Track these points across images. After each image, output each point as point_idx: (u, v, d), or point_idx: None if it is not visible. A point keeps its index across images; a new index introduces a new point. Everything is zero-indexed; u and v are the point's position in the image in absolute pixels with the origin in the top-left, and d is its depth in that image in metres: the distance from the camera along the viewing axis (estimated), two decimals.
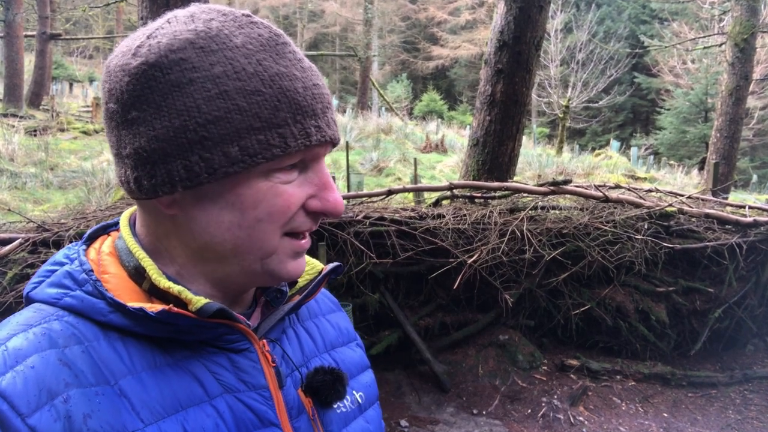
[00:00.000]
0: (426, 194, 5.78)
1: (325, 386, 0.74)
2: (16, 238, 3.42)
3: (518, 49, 5.65)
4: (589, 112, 28.10)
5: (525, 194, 5.03)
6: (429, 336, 4.67)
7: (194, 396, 0.64)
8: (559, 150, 17.81)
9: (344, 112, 22.42)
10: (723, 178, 8.95)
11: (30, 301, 0.67)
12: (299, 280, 0.81)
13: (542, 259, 4.52)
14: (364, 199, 4.85)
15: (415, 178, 8.45)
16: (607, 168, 14.12)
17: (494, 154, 5.84)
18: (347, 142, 10.32)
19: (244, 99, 0.61)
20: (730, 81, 9.99)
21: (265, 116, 0.62)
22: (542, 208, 4.97)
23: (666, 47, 20.49)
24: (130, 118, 0.62)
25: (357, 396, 0.83)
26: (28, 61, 16.96)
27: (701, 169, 15.31)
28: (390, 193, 4.76)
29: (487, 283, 4.53)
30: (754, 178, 19.61)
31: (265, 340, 0.73)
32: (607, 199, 4.99)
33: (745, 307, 5.24)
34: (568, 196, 5.15)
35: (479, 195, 5.16)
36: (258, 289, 0.77)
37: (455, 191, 5.06)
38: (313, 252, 3.90)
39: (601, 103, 24.31)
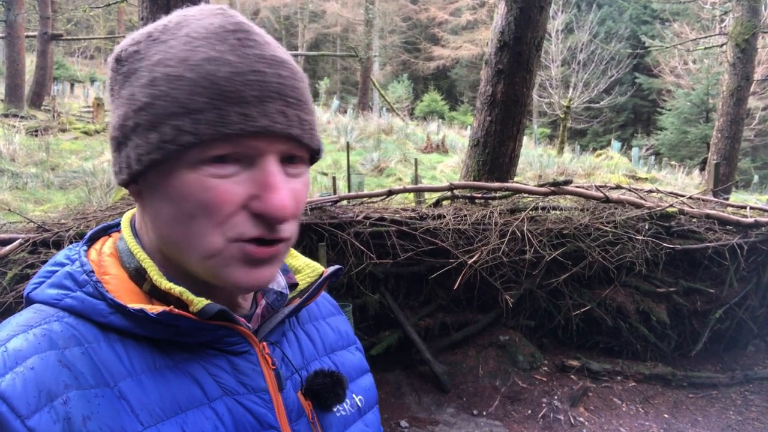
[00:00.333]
0: (426, 195, 5.78)
1: (325, 389, 0.74)
2: (17, 239, 3.42)
3: (519, 50, 5.64)
4: (590, 112, 28.09)
5: (525, 195, 5.03)
6: (429, 336, 4.67)
7: (193, 398, 0.64)
8: (560, 150, 17.80)
9: (345, 112, 22.43)
10: (724, 179, 8.95)
11: (30, 301, 0.67)
12: (300, 282, 0.81)
13: (543, 259, 4.52)
14: (364, 199, 4.85)
15: (416, 179, 8.45)
16: (608, 168, 14.11)
17: (495, 155, 5.83)
18: (348, 143, 10.33)
19: (167, 84, 0.60)
20: (731, 81, 9.98)
21: (183, 102, 0.59)
22: (543, 208, 4.97)
23: (667, 48, 20.48)
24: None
25: (356, 399, 0.83)
26: (30, 62, 16.97)
27: (702, 169, 15.30)
28: (390, 193, 4.76)
29: (487, 284, 4.53)
30: (756, 178, 19.60)
31: (265, 343, 0.73)
32: (607, 200, 4.99)
33: (746, 307, 5.24)
34: (569, 196, 5.15)
35: (480, 195, 5.16)
36: (258, 291, 0.76)
37: (456, 192, 5.06)
38: (313, 252, 3.90)
39: (602, 103, 24.30)
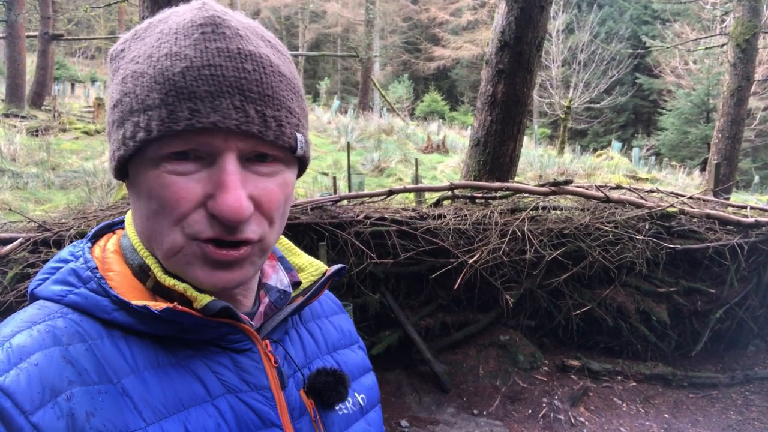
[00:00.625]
0: (427, 194, 5.78)
1: (327, 388, 0.74)
2: (17, 238, 3.43)
3: (519, 50, 5.64)
4: (591, 112, 28.08)
5: (526, 194, 5.03)
6: (429, 336, 4.67)
7: (196, 396, 0.64)
8: (561, 150, 17.79)
9: (346, 112, 22.44)
10: (724, 179, 8.94)
11: (34, 298, 0.67)
12: (303, 281, 0.81)
13: (543, 259, 4.52)
14: (365, 199, 4.85)
15: (416, 179, 8.45)
16: (609, 169, 14.10)
17: (495, 155, 5.83)
18: (348, 143, 10.34)
19: (133, 82, 0.61)
20: (732, 81, 9.98)
21: (142, 98, 0.60)
22: (543, 208, 4.97)
23: (668, 48, 20.48)
24: None
25: (359, 398, 0.83)
26: (30, 62, 16.98)
27: (703, 169, 15.29)
28: (391, 193, 4.76)
29: (487, 284, 4.53)
30: (756, 178, 19.59)
31: (267, 341, 0.73)
32: (608, 200, 4.99)
33: (747, 307, 5.23)
34: (569, 196, 5.15)
35: (480, 195, 5.16)
36: (261, 289, 0.77)
37: (456, 191, 5.06)
38: (313, 252, 3.90)
39: (602, 103, 24.29)
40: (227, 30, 0.61)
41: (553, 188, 4.93)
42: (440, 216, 4.63)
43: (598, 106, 24.53)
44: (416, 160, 9.87)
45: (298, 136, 0.65)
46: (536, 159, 13.51)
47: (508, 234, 4.42)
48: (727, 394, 4.67)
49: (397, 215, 4.46)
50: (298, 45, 34.35)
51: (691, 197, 5.72)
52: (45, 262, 3.20)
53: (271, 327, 0.75)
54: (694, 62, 23.77)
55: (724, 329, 5.22)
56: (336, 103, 24.21)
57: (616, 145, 19.24)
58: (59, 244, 3.43)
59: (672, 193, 5.86)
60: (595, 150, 20.62)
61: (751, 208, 5.51)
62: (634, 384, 4.70)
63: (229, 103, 0.59)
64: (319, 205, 4.34)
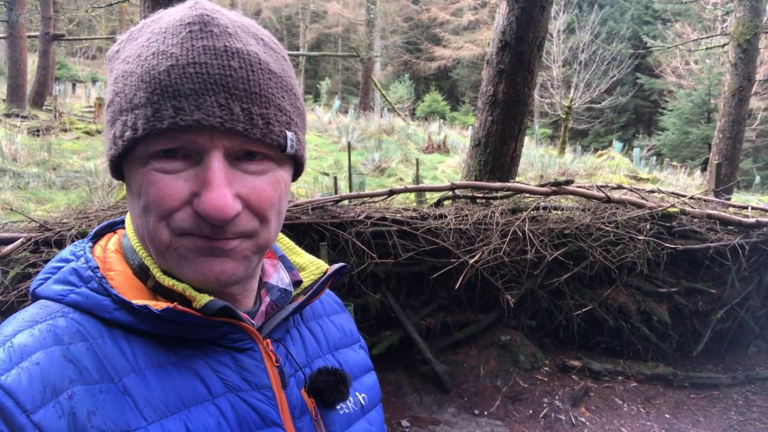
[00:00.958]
0: (428, 194, 5.78)
1: (329, 387, 0.74)
2: (18, 238, 3.43)
3: (520, 50, 5.64)
4: (592, 112, 28.07)
5: (527, 195, 5.02)
6: (430, 336, 4.67)
7: (197, 395, 0.64)
8: (562, 151, 17.78)
9: (346, 112, 22.44)
10: (725, 179, 8.92)
11: (36, 297, 0.67)
12: (304, 280, 0.81)
13: (544, 259, 4.52)
14: (365, 199, 4.85)
15: (417, 179, 8.45)
16: (610, 169, 14.10)
17: (496, 155, 5.83)
18: (349, 143, 10.34)
19: (123, 81, 0.61)
20: (733, 82, 9.97)
21: (130, 97, 0.60)
22: (544, 208, 4.96)
23: (669, 48, 20.47)
24: None
25: (360, 397, 0.83)
26: (31, 62, 16.99)
27: (704, 170, 15.29)
28: (392, 193, 4.75)
29: (488, 284, 4.52)
30: (757, 179, 19.57)
31: (269, 340, 0.73)
32: (609, 200, 4.99)
33: (748, 308, 5.23)
34: (570, 196, 5.14)
35: (481, 195, 5.15)
36: (262, 288, 0.77)
37: (457, 191, 5.05)
38: (314, 252, 3.90)
39: (603, 103, 24.29)
40: (215, 28, 0.61)
41: (554, 188, 4.92)
42: (441, 216, 4.62)
43: (599, 106, 24.52)
44: (417, 160, 9.87)
45: (288, 134, 0.64)
46: (537, 159, 13.51)
47: (509, 234, 4.42)
48: (728, 395, 4.66)
49: (398, 215, 4.46)
50: (299, 45, 34.34)
51: (692, 197, 5.72)
52: (46, 261, 3.20)
53: (273, 326, 0.75)
54: (695, 62, 23.75)
55: (725, 329, 5.22)
56: (337, 103, 24.21)
57: (617, 145, 19.23)
58: (60, 244, 3.43)
59: (673, 193, 5.86)
60: (596, 150, 20.61)
61: (752, 208, 5.50)
62: (635, 384, 4.69)
63: (214, 100, 0.59)
64: (320, 205, 4.33)
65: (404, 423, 3.96)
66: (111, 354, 0.61)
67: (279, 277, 0.78)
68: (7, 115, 13.13)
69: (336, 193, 6.14)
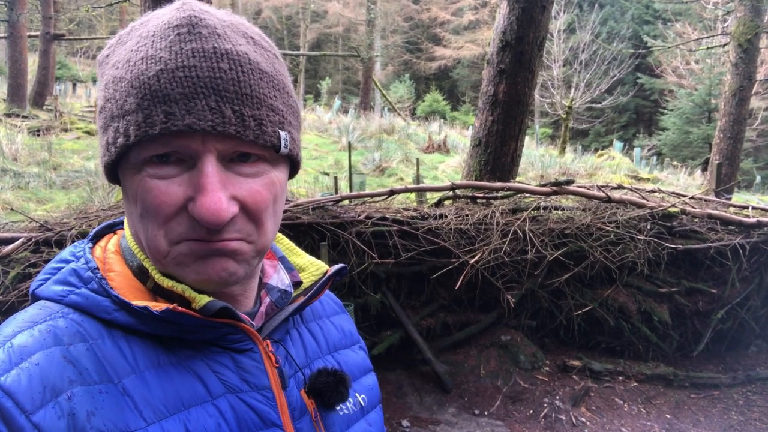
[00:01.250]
0: (428, 194, 5.78)
1: (328, 388, 0.74)
2: (19, 238, 3.43)
3: (521, 50, 5.64)
4: (592, 112, 28.07)
5: (527, 194, 5.02)
6: (431, 336, 4.67)
7: (197, 395, 0.64)
8: (562, 150, 17.78)
9: (347, 112, 22.44)
10: (726, 179, 8.92)
11: (36, 298, 0.67)
12: (304, 281, 0.81)
13: (544, 259, 4.51)
14: (366, 199, 4.85)
15: (418, 179, 8.45)
16: (610, 168, 14.10)
17: (497, 155, 5.83)
18: (349, 143, 10.33)
19: (113, 87, 0.61)
20: (734, 81, 9.96)
21: (121, 103, 0.60)
22: (545, 208, 4.96)
23: (669, 48, 20.46)
24: None
25: (359, 398, 0.83)
26: (32, 62, 17.00)
27: (704, 169, 15.29)
28: (392, 193, 4.75)
29: (489, 284, 4.52)
30: (758, 178, 19.57)
31: (268, 341, 0.73)
32: (609, 200, 4.98)
33: (748, 308, 5.23)
34: (571, 196, 5.14)
35: (481, 195, 5.15)
36: (262, 289, 0.77)
37: (457, 191, 5.05)
38: (314, 252, 3.90)
39: (604, 103, 24.28)
40: (203, 29, 0.61)
41: (554, 188, 4.92)
42: (441, 216, 4.62)
43: (599, 106, 24.52)
44: (417, 160, 9.87)
45: (282, 134, 0.64)
46: (537, 159, 13.51)
47: (509, 234, 4.42)
48: (729, 395, 4.66)
49: (399, 215, 4.45)
50: (299, 45, 34.34)
51: (692, 197, 5.71)
52: (47, 261, 3.20)
53: (272, 327, 0.75)
54: (696, 62, 23.74)
55: (726, 329, 5.22)
56: (337, 102, 24.21)
57: (618, 145, 19.23)
58: (61, 244, 3.43)
59: (674, 193, 5.85)
60: (596, 150, 20.60)
61: (753, 208, 5.50)
62: (635, 384, 4.69)
63: (204, 104, 0.58)
64: (321, 205, 4.33)
65: (405, 423, 3.96)
66: (111, 355, 0.61)
67: (279, 278, 0.78)
68: (8, 115, 13.14)
69: (336, 192, 6.14)
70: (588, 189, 5.19)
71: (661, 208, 5.00)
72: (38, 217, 4.15)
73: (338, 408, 0.78)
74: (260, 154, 0.63)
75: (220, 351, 0.68)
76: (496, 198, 5.08)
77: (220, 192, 0.59)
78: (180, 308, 0.62)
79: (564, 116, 19.80)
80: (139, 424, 0.59)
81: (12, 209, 5.86)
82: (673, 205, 5.21)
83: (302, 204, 4.25)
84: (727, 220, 5.15)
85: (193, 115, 0.58)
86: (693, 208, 5.31)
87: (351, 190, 7.33)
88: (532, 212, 4.81)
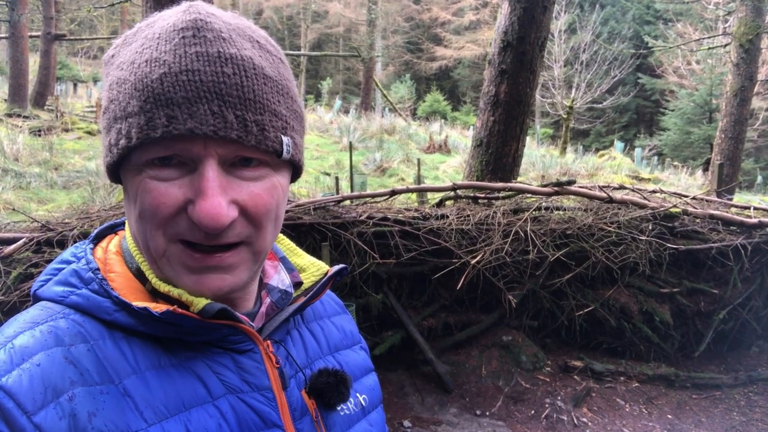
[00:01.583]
0: (429, 195, 5.78)
1: (329, 388, 0.74)
2: (20, 238, 3.43)
3: (522, 50, 5.64)
4: (593, 112, 28.06)
5: (529, 195, 5.02)
6: (432, 336, 4.67)
7: (197, 396, 0.64)
8: (563, 151, 17.77)
9: (347, 112, 22.45)
10: (727, 179, 8.91)
11: (37, 299, 0.67)
12: (305, 281, 0.81)
13: (546, 259, 4.51)
14: (367, 199, 4.85)
15: (419, 179, 8.45)
16: (611, 169, 14.10)
17: (498, 155, 5.82)
18: (350, 143, 10.33)
19: (117, 88, 0.61)
20: (735, 82, 9.95)
21: (124, 105, 0.60)
22: (546, 208, 4.96)
23: (670, 48, 20.45)
24: None
25: (360, 399, 0.83)
26: (33, 62, 17.02)
27: (705, 170, 15.27)
28: (393, 193, 4.75)
29: (490, 284, 4.52)
30: (759, 179, 19.56)
31: (269, 341, 0.73)
32: (611, 200, 4.98)
33: (750, 308, 5.22)
34: (572, 196, 5.14)
35: (483, 195, 5.15)
36: (262, 289, 0.76)
37: (459, 192, 5.05)
38: (316, 252, 3.90)
39: (604, 103, 24.27)
40: (209, 33, 0.61)
41: (556, 188, 4.92)
42: (443, 216, 4.62)
43: (600, 106, 24.51)
44: (418, 160, 9.87)
45: (284, 139, 0.63)
46: (538, 159, 13.51)
47: (510, 234, 4.42)
48: (731, 395, 4.65)
49: (400, 215, 4.45)
50: (300, 45, 34.35)
51: (694, 198, 5.70)
52: (48, 262, 3.20)
53: (273, 327, 0.74)
54: (697, 62, 23.72)
55: (728, 330, 5.21)
56: (338, 103, 24.23)
57: (619, 145, 19.23)
58: (62, 244, 3.44)
59: (675, 193, 5.85)
60: (597, 150, 20.60)
61: (755, 208, 5.49)
62: (637, 385, 4.69)
63: (207, 108, 0.58)
64: (322, 205, 4.33)
65: (406, 423, 3.95)
66: (112, 355, 0.61)
67: (279, 279, 0.78)
68: (9, 115, 13.15)
69: (338, 193, 6.14)
70: (589, 189, 5.19)
71: (662, 209, 4.99)
72: (40, 217, 4.15)
73: (339, 408, 0.78)
74: (262, 158, 0.63)
75: (221, 352, 0.68)
76: (497, 198, 5.08)
77: (219, 197, 0.59)
78: (180, 310, 0.62)
79: (565, 116, 19.80)
80: (140, 425, 0.59)
81: (13, 209, 5.87)
82: (675, 206, 5.21)
83: (304, 204, 4.25)
84: (729, 220, 5.14)
85: (195, 120, 0.58)
86: (695, 208, 5.30)
87: (352, 191, 7.33)
88: (534, 212, 4.81)
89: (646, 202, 5.10)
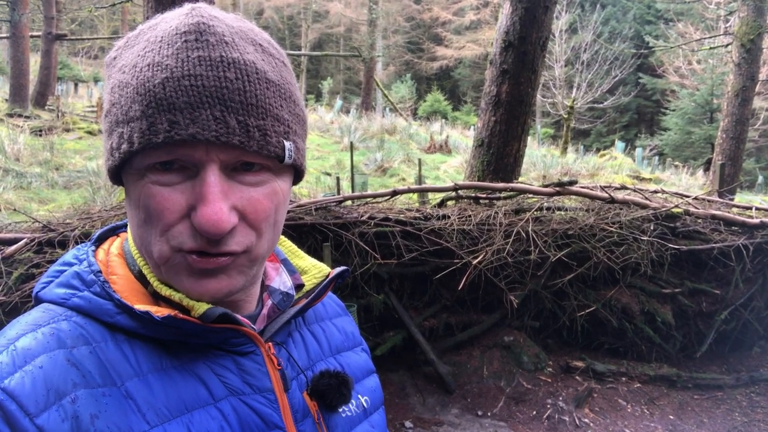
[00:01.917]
0: (430, 195, 5.78)
1: (331, 390, 0.74)
2: (22, 238, 3.43)
3: (524, 50, 5.63)
4: (594, 112, 28.05)
5: (530, 195, 5.01)
6: (433, 337, 4.66)
7: (199, 398, 0.64)
8: (564, 151, 17.77)
9: (348, 112, 22.46)
10: (729, 179, 8.91)
11: (39, 301, 0.67)
12: (306, 283, 0.81)
13: (547, 260, 4.51)
14: (368, 199, 4.85)
15: (420, 179, 8.45)
16: (612, 169, 14.09)
17: (499, 155, 5.82)
18: (351, 143, 10.33)
19: (119, 92, 0.61)
20: (737, 82, 9.94)
21: (126, 109, 0.60)
22: (547, 209, 4.96)
23: (671, 48, 20.44)
24: None
25: (362, 400, 0.83)
26: (34, 62, 17.04)
27: (706, 170, 15.26)
28: (395, 193, 4.75)
29: (492, 284, 4.52)
30: (760, 179, 19.54)
31: (270, 343, 0.73)
32: (612, 200, 4.97)
33: (752, 309, 5.21)
34: (574, 197, 5.13)
35: (484, 196, 5.15)
36: (264, 291, 0.76)
37: (460, 192, 5.05)
38: (317, 252, 3.90)
39: (605, 103, 24.26)
40: (211, 37, 0.60)
41: (557, 189, 4.91)
42: (444, 216, 4.62)
43: (601, 106, 24.50)
44: (419, 160, 9.87)
45: (287, 144, 0.63)
46: (539, 159, 13.52)
47: (512, 235, 4.41)
48: (732, 396, 4.65)
49: (401, 216, 4.45)
50: (300, 45, 34.37)
51: (695, 198, 5.70)
52: (50, 262, 3.20)
53: (274, 329, 0.74)
54: (698, 62, 23.71)
55: (729, 330, 5.20)
56: (338, 103, 24.25)
57: (620, 145, 19.24)
58: (64, 245, 3.44)
59: (677, 193, 5.84)
60: (598, 150, 20.60)
61: (756, 208, 5.48)
62: (638, 385, 4.68)
63: (209, 114, 0.58)
64: (324, 205, 4.33)
65: (407, 424, 3.95)
66: (114, 358, 0.61)
67: (281, 281, 0.78)
68: (10, 115, 13.16)
69: (339, 193, 6.14)
70: (591, 189, 5.19)
71: (664, 209, 4.99)
72: (41, 217, 4.16)
73: (341, 410, 0.77)
74: (263, 163, 0.63)
75: (223, 354, 0.68)
76: (498, 198, 5.08)
77: (221, 202, 0.59)
78: (181, 315, 0.62)
79: (566, 116, 19.79)
80: (143, 427, 0.58)
81: (15, 210, 5.87)
82: (677, 206, 5.20)
83: (305, 205, 4.25)
84: (731, 220, 5.14)
85: (197, 125, 0.57)
86: (696, 208, 5.30)
87: (353, 191, 7.33)
88: (535, 213, 4.81)
89: (647, 202, 5.10)
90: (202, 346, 0.67)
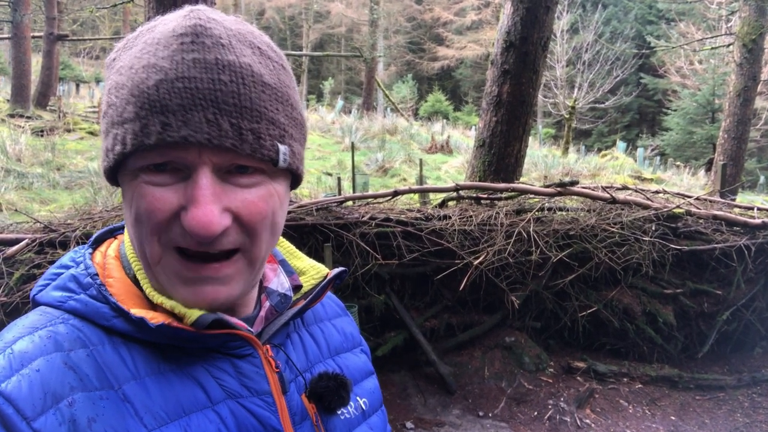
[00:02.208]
0: (432, 195, 5.78)
1: (329, 392, 0.74)
2: (23, 239, 3.43)
3: (525, 50, 5.63)
4: (595, 112, 28.03)
5: (531, 195, 5.01)
6: (435, 337, 4.66)
7: (197, 402, 0.64)
8: (565, 151, 17.76)
9: (349, 112, 22.46)
10: (731, 180, 8.90)
11: (36, 303, 0.67)
12: (304, 284, 0.81)
13: (549, 260, 4.50)
14: (369, 200, 4.85)
15: (421, 179, 8.45)
16: (614, 169, 14.07)
17: (500, 155, 5.82)
18: (352, 143, 10.33)
19: (116, 93, 0.61)
20: (738, 82, 9.93)
21: (120, 111, 0.60)
22: (549, 209, 4.95)
23: (673, 48, 20.41)
24: None
25: (361, 402, 0.83)
26: (36, 62, 17.05)
27: (708, 170, 15.24)
28: (396, 194, 4.75)
29: (493, 285, 4.51)
30: (762, 179, 19.52)
31: (268, 346, 0.73)
32: (614, 201, 4.97)
33: (754, 309, 5.20)
34: (575, 197, 5.13)
35: (485, 196, 5.14)
36: (262, 293, 0.76)
37: (461, 192, 5.05)
38: (318, 253, 3.90)
39: (607, 103, 24.25)
40: (207, 39, 0.60)
41: (559, 189, 4.91)
42: (445, 217, 4.62)
43: (602, 106, 24.49)
44: (420, 160, 9.87)
45: (281, 147, 0.63)
46: (540, 159, 13.51)
47: (513, 235, 4.41)
48: (734, 396, 4.64)
49: (402, 216, 4.45)
50: (302, 45, 34.40)
51: (697, 198, 5.69)
52: (51, 263, 3.20)
53: (272, 331, 0.74)
54: (700, 62, 23.68)
55: (731, 331, 5.19)
56: (340, 103, 24.25)
57: (621, 145, 19.21)
58: (65, 245, 3.44)
59: (678, 194, 5.83)
60: (599, 150, 20.57)
61: (758, 209, 5.47)
62: (640, 386, 4.67)
63: (202, 116, 0.57)
64: (325, 206, 4.33)
65: (408, 424, 3.95)
66: (111, 361, 0.61)
67: (279, 282, 0.78)
68: (11, 116, 13.18)
69: (340, 193, 6.14)
70: (592, 190, 5.18)
71: (665, 209, 4.98)
72: (42, 217, 4.16)
73: (339, 412, 0.77)
74: (258, 166, 0.62)
75: (220, 357, 0.68)
76: (500, 199, 5.07)
77: (212, 205, 0.59)
78: (175, 323, 0.62)
79: (567, 116, 19.78)
80: (140, 430, 0.58)
81: (16, 210, 5.88)
82: (678, 206, 5.19)
83: (306, 205, 4.25)
84: (733, 221, 5.13)
85: (190, 127, 0.57)
86: (698, 209, 5.29)
87: (354, 191, 7.33)
88: (537, 213, 4.80)
89: (649, 202, 5.09)
90: (199, 350, 0.67)
